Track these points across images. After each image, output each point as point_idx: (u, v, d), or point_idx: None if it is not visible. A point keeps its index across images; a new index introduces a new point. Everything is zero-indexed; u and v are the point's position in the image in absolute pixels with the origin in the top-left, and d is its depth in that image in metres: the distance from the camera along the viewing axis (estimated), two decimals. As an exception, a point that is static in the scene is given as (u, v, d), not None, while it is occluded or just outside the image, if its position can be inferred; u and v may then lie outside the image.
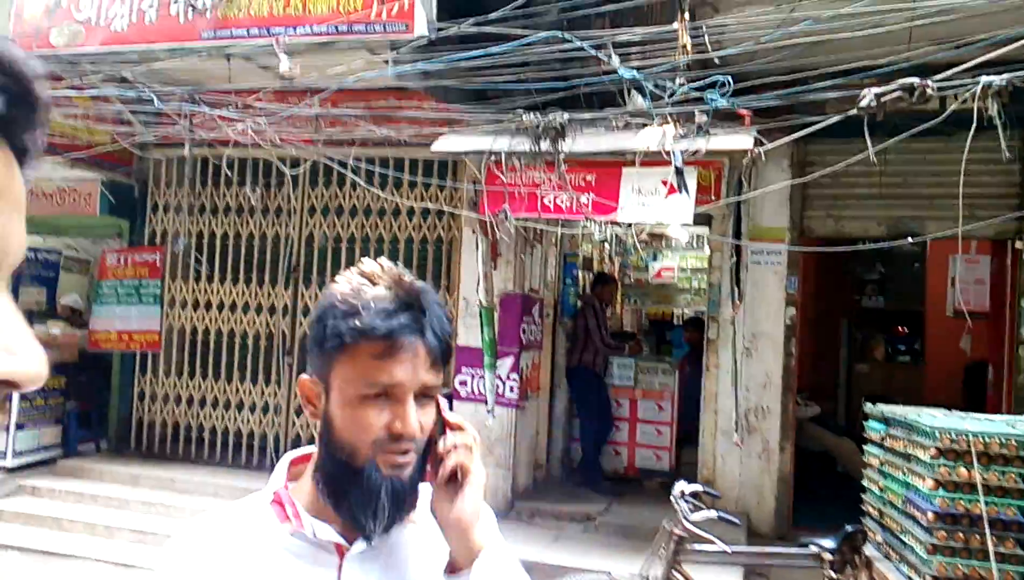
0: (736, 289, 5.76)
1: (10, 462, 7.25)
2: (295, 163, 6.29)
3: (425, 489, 1.26)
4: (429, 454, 1.19)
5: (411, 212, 7.10)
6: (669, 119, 4.90)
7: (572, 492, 6.86)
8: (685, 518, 3.54)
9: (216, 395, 7.69)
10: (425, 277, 7.06)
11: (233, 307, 7.71)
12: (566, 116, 4.50)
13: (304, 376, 1.17)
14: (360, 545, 1.13)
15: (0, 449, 7.25)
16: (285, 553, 1.13)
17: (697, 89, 4.43)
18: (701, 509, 3.65)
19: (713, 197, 5.17)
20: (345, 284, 1.15)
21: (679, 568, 3.59)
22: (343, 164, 5.81)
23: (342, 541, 1.13)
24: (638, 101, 5.05)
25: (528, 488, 6.83)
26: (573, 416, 7.38)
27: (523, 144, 4.88)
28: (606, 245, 9.00)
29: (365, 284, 1.13)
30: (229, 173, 6.54)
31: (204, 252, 7.77)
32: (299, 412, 7.42)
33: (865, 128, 3.83)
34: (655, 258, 10.27)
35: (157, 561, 1.17)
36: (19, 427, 7.34)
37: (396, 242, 7.22)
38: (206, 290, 7.80)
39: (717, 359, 6.37)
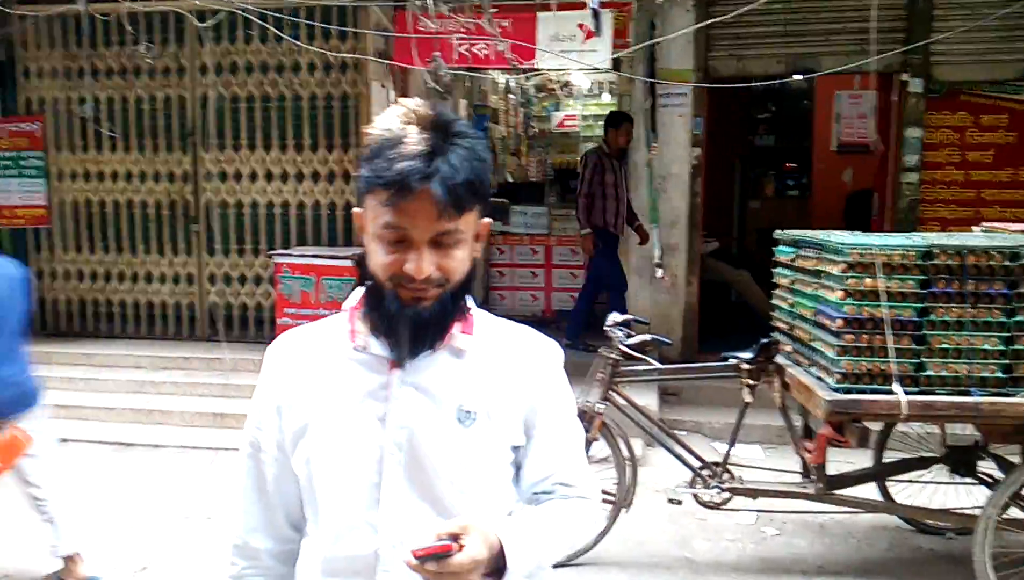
0: (653, 132, 5.93)
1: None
2: (201, 17, 5.86)
3: (480, 318, 1.38)
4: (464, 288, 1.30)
5: (312, 66, 6.82)
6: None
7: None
8: (622, 343, 3.83)
9: (122, 269, 7.45)
10: (332, 136, 6.92)
11: (129, 177, 7.34)
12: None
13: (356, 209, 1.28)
14: (414, 361, 1.27)
15: None
16: (351, 362, 1.29)
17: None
18: (632, 336, 3.95)
19: (628, 39, 5.22)
20: (380, 125, 1.23)
21: (616, 389, 3.93)
22: (243, 11, 5.48)
23: (391, 356, 1.27)
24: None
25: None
26: (489, 266, 7.58)
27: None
28: (511, 96, 8.95)
29: (394, 126, 1.21)
30: (130, 29, 6.04)
31: (87, 120, 7.27)
32: (212, 281, 7.32)
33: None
34: (557, 108, 10.31)
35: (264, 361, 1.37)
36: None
37: (298, 100, 6.96)
38: (98, 160, 7.37)
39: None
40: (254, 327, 7.21)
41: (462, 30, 4.98)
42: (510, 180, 8.73)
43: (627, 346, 3.82)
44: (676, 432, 5.61)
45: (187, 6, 5.54)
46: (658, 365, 3.81)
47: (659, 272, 6.28)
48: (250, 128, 7.08)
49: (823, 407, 3.33)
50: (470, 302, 1.38)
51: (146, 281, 7.43)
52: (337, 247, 6.89)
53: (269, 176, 7.12)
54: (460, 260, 1.24)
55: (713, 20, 5.35)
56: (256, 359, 6.70)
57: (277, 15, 5.81)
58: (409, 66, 5.11)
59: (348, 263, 6.52)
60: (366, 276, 1.24)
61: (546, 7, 4.96)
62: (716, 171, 8.70)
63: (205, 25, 5.74)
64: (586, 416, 3.91)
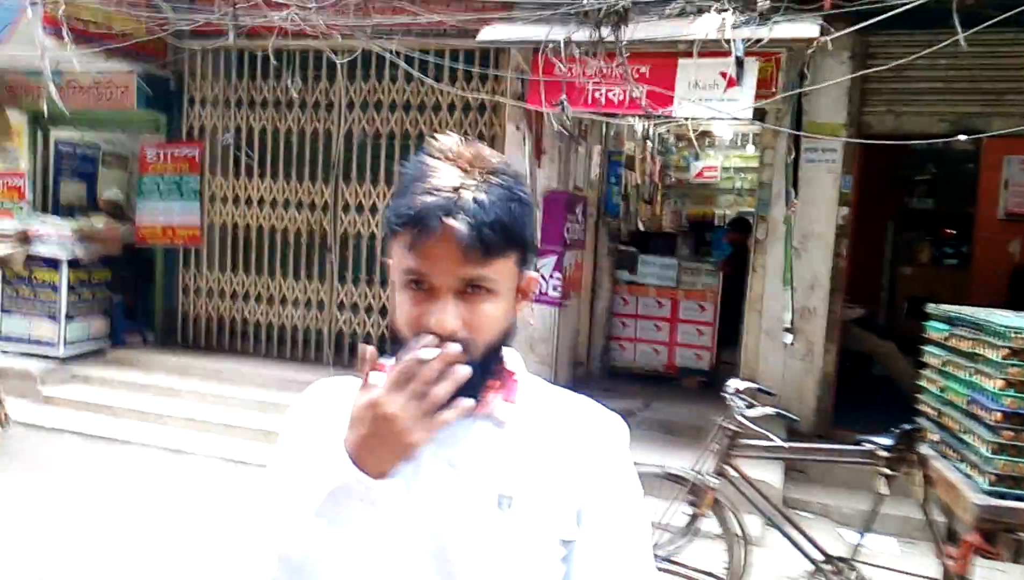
0: (794, 187, 5.59)
1: (62, 352, 7.45)
2: (346, 52, 6.10)
3: (527, 384, 1.21)
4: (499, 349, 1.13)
5: (452, 107, 6.93)
6: (728, 4, 4.66)
7: (611, 389, 6.93)
8: (741, 414, 3.54)
9: (259, 290, 7.78)
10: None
11: (274, 203, 7.69)
12: (630, 1, 4.28)
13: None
14: (447, 431, 1.07)
15: (52, 339, 7.44)
16: None
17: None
18: (754, 406, 3.65)
19: (775, 89, 4.96)
20: (414, 163, 1.09)
21: (731, 463, 3.63)
22: (394, 53, 5.62)
23: None
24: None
25: (568, 385, 6.87)
26: (612, 316, 7.38)
27: (578, 32, 4.67)
28: (648, 143, 8.77)
29: (425, 164, 1.07)
30: (276, 63, 6.37)
31: (242, 147, 7.70)
32: (341, 308, 7.51)
33: (953, 12, 3.58)
34: (697, 158, 10.03)
35: (283, 425, 1.23)
36: (69, 318, 7.51)
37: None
38: (246, 186, 7.77)
39: (764, 259, 6.27)
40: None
41: (597, 74, 4.88)
42: (641, 229, 8.52)
43: (747, 418, 3.52)
44: (801, 514, 5.23)
45: (332, 45, 5.75)
46: (781, 442, 3.49)
47: (788, 337, 5.87)
48: (388, 164, 7.26)
49: (971, 511, 2.91)
50: (516, 366, 1.22)
51: (281, 304, 7.72)
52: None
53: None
54: (491, 317, 1.07)
55: (867, 71, 4.99)
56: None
57: (422, 57, 5.93)
58: (537, 108, 5.04)
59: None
60: (394, 333, 1.10)
61: (688, 54, 4.78)
62: (865, 233, 8.15)
63: (340, 61, 5.92)
64: (696, 490, 3.63)
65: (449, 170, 1.05)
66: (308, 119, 7.49)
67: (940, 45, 3.83)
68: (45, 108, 6.64)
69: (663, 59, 4.92)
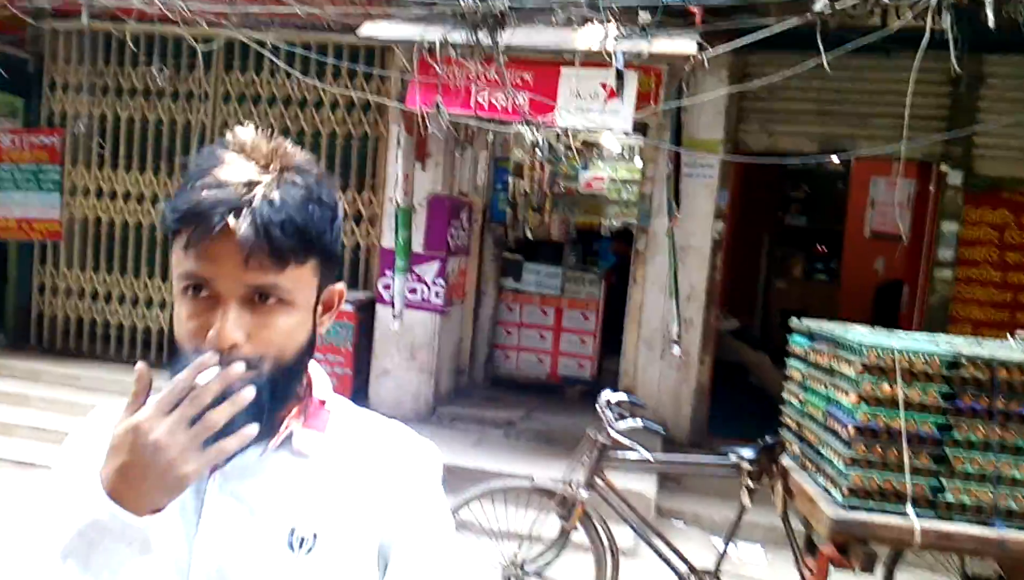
0: (674, 201, 5.67)
1: None
2: (208, 41, 5.79)
3: (339, 411, 1.09)
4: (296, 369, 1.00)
5: (335, 105, 6.70)
6: (611, 17, 4.68)
7: (493, 398, 6.86)
8: (610, 426, 3.52)
9: (122, 290, 7.29)
10: (349, 176, 6.76)
11: (141, 198, 7.23)
12: (507, 3, 4.21)
13: None
14: (236, 461, 0.96)
15: None
16: None
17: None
18: (626, 418, 3.64)
19: (656, 104, 5.01)
20: (205, 154, 0.96)
21: (601, 475, 3.60)
22: (261, 44, 5.37)
23: None
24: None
25: (450, 393, 6.79)
26: (496, 323, 7.32)
27: (460, 33, 4.58)
28: (537, 151, 8.77)
29: (219, 156, 0.95)
30: (135, 49, 5.99)
31: (108, 137, 7.21)
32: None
33: (818, 35, 3.69)
34: (586, 168, 10.13)
35: (58, 453, 1.07)
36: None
37: (318, 136, 6.82)
38: (110, 178, 7.27)
39: (644, 271, 6.35)
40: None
41: (480, 79, 4.80)
42: (529, 237, 8.52)
43: (617, 430, 3.50)
44: (674, 523, 5.30)
45: (202, 33, 5.44)
46: (648, 455, 3.48)
47: (675, 349, 5.95)
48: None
49: (826, 524, 2.97)
50: (324, 389, 1.09)
51: (146, 306, 7.26)
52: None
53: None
54: (283, 331, 0.95)
55: (741, 87, 5.12)
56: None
57: (298, 51, 5.70)
58: (414, 110, 4.92)
59: (350, 307, 6.30)
60: (174, 347, 0.96)
61: (570, 63, 4.76)
62: (742, 247, 8.43)
63: (204, 50, 5.62)
64: (567, 502, 3.58)
65: (242, 164, 0.93)
66: (179, 110, 7.08)
67: (806, 67, 3.94)
68: None
69: (546, 67, 4.89)
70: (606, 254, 8.29)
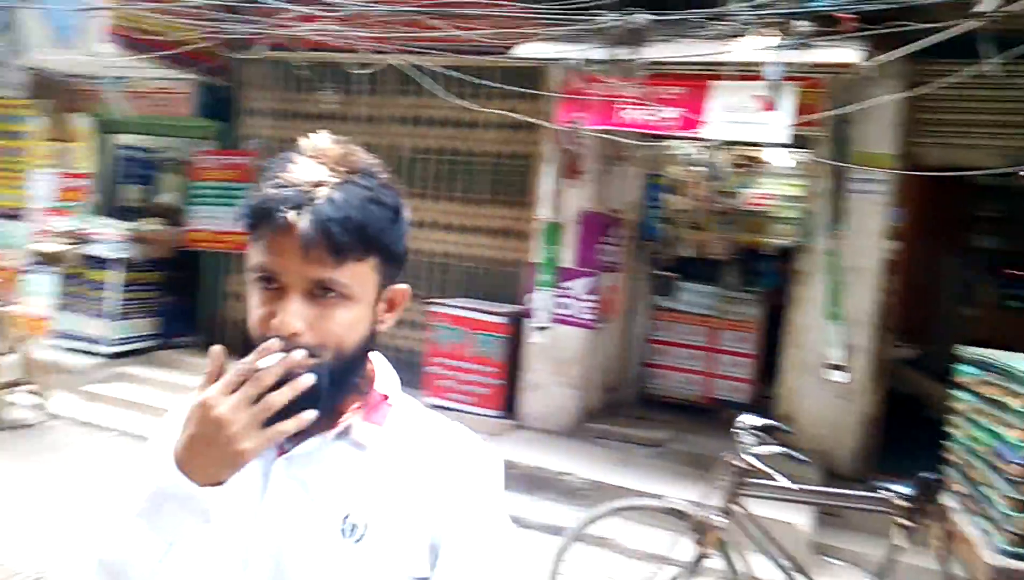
0: (838, 218, 5.35)
1: (108, 349, 7.66)
2: (365, 66, 6.14)
3: (401, 407, 1.14)
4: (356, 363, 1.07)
5: (493, 124, 6.91)
6: (766, 28, 4.53)
7: (642, 417, 6.75)
8: (746, 451, 3.38)
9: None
10: (505, 193, 6.94)
11: (316, 214, 7.78)
12: (648, 18, 4.18)
13: None
14: (300, 448, 1.04)
15: (101, 337, 7.66)
16: None
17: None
18: (767, 443, 3.48)
19: (819, 116, 4.78)
20: (278, 159, 1.04)
21: (738, 501, 3.46)
22: (418, 68, 5.65)
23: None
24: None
25: (598, 410, 6.76)
26: (648, 342, 7.21)
27: (607, 51, 4.60)
28: (697, 168, 8.58)
29: (290, 159, 1.02)
30: (308, 76, 6.48)
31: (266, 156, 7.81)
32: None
33: (982, 38, 3.38)
34: (750, 184, 9.77)
35: (154, 427, 1.17)
36: (118, 317, 7.73)
37: (478, 155, 7.07)
38: (291, 195, 7.88)
39: (805, 291, 6.03)
40: (407, 371, 7.29)
41: (628, 94, 4.79)
42: (686, 255, 8.33)
43: (754, 455, 3.35)
44: (831, 561, 4.97)
45: (367, 60, 5.80)
46: (788, 483, 3.30)
47: (836, 374, 5.59)
48: (432, 179, 7.28)
49: (985, 573, 2.70)
50: (390, 386, 1.14)
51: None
52: (494, 303, 6.85)
53: (443, 226, 7.26)
54: (342, 324, 1.00)
55: (909, 94, 4.77)
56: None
57: (461, 76, 5.93)
58: (559, 127, 4.98)
59: (502, 320, 6.46)
60: (246, 335, 1.03)
61: (722, 76, 4.65)
62: (920, 270, 7.81)
63: (360, 72, 5.95)
64: (701, 526, 3.47)
65: (312, 166, 1.01)
66: (354, 132, 7.56)
67: (980, 72, 3.62)
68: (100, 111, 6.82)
69: (696, 80, 4.80)
70: (769, 274, 7.94)
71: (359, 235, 0.99)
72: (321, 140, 1.05)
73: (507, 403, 6.48)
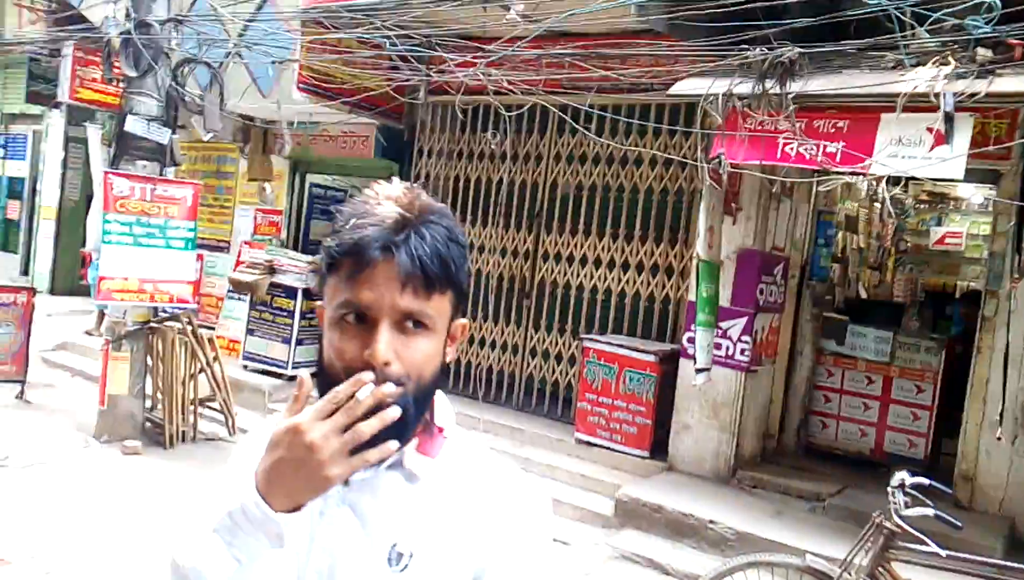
0: (1018, 258, 4.86)
1: (290, 371, 8.31)
2: (520, 107, 6.29)
3: (453, 441, 1.16)
4: (428, 395, 1.10)
5: (653, 161, 6.89)
6: (942, 57, 4.22)
7: (803, 468, 6.37)
8: (896, 512, 3.11)
9: (472, 333, 8.14)
10: (662, 229, 6.87)
11: (482, 249, 8.07)
12: (797, 51, 4.02)
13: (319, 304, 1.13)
14: (356, 475, 1.05)
15: (283, 360, 8.33)
16: None
17: (955, 14, 3.74)
18: (921, 504, 3.18)
19: (997, 148, 4.39)
20: (354, 203, 1.10)
21: (886, 566, 3.18)
22: (564, 109, 5.76)
23: None
24: (922, 34, 4.41)
25: (754, 457, 6.45)
26: (813, 388, 6.80)
27: (763, 84, 4.48)
28: (879, 204, 8.06)
29: (368, 203, 1.08)
30: (472, 118, 6.75)
31: (460, 196, 8.16)
32: (533, 354, 7.65)
33: None
34: (939, 222, 9.03)
35: (237, 449, 1.24)
36: (298, 342, 8.37)
37: (636, 192, 7.07)
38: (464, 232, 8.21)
39: (992, 340, 5.48)
40: (560, 406, 7.35)
41: (790, 129, 4.61)
42: (862, 296, 7.81)
43: (902, 518, 3.08)
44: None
45: (524, 101, 5.98)
46: (937, 550, 2.99)
47: (998, 430, 5.03)
48: (588, 215, 7.35)
49: None
50: (445, 419, 1.18)
51: (479, 345, 8.03)
52: (646, 341, 6.76)
53: (597, 262, 7.30)
54: (426, 354, 1.05)
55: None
56: (552, 438, 6.85)
57: (616, 117, 5.97)
58: (708, 163, 4.87)
59: (654, 358, 6.37)
60: (322, 375, 1.07)
61: (891, 108, 4.37)
62: None
63: (507, 115, 6.07)
64: (843, 588, 3.22)
65: (391, 207, 1.06)
66: (519, 171, 7.81)
67: None
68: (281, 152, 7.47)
69: (863, 113, 4.54)
70: (954, 319, 7.27)
71: (444, 269, 1.05)
72: (393, 186, 1.11)
73: (656, 444, 6.35)
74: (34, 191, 13.08)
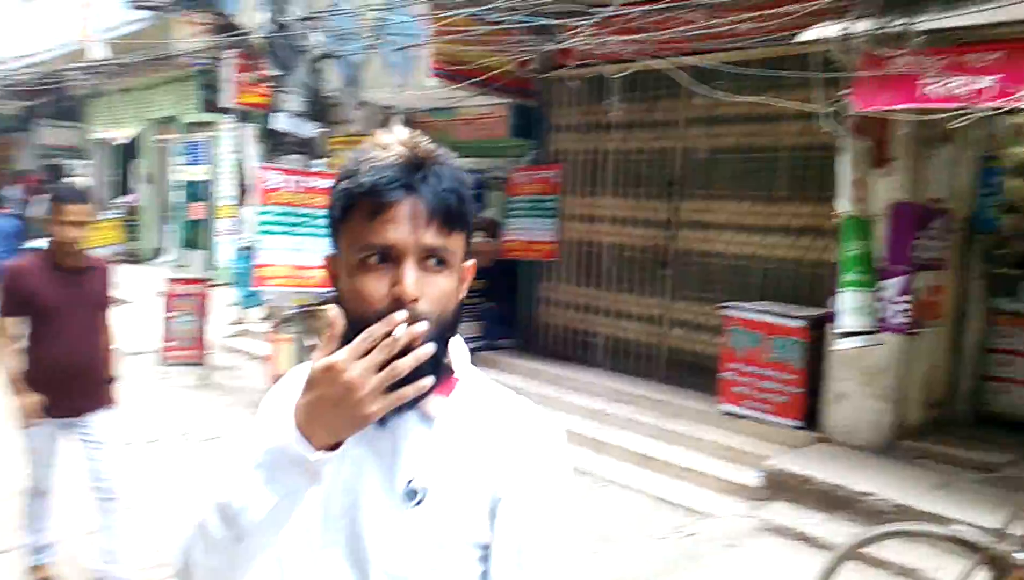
0: None
1: (438, 350, 8.60)
2: (656, 73, 6.08)
3: (468, 381, 1.19)
4: (450, 335, 1.12)
5: (792, 117, 6.49)
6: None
7: (974, 437, 5.84)
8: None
9: (601, 303, 8.12)
10: (806, 189, 6.50)
11: (616, 220, 7.98)
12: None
13: (328, 253, 1.15)
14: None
15: (431, 338, 8.64)
16: None
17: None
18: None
19: None
20: (364, 148, 1.12)
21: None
22: (695, 70, 5.49)
23: None
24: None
25: (918, 427, 5.98)
26: (985, 351, 6.19)
27: (900, 21, 4.11)
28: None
29: (374, 149, 1.10)
30: (592, 89, 6.64)
31: (592, 169, 8.10)
32: (673, 325, 7.49)
33: None
34: None
35: (273, 391, 1.28)
36: (447, 321, 8.63)
37: (776, 151, 6.71)
38: (594, 204, 8.18)
39: None
40: (703, 376, 7.15)
41: (934, 66, 4.21)
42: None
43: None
44: None
45: (660, 65, 5.80)
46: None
47: None
48: (727, 179, 7.08)
49: None
50: (459, 360, 1.19)
51: (619, 318, 7.97)
52: (793, 306, 6.43)
53: (738, 227, 7.01)
54: (447, 291, 1.08)
55: None
56: (696, 409, 6.70)
57: (743, 71, 5.70)
58: (857, 112, 4.50)
59: (802, 324, 6.06)
60: (349, 319, 1.06)
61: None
62: None
63: (613, 77, 5.84)
64: (998, 562, 2.94)
65: (401, 149, 1.09)
66: (652, 138, 7.64)
67: None
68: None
69: (1018, 42, 4.07)
70: None
71: (462, 208, 1.09)
72: (398, 131, 1.13)
73: (808, 413, 6.04)
74: (212, 193, 14.28)
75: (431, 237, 1.05)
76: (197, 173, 14.59)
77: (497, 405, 1.18)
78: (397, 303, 1.03)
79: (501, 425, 1.15)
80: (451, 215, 1.06)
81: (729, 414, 6.42)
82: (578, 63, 6.92)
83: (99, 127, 16.99)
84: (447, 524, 1.11)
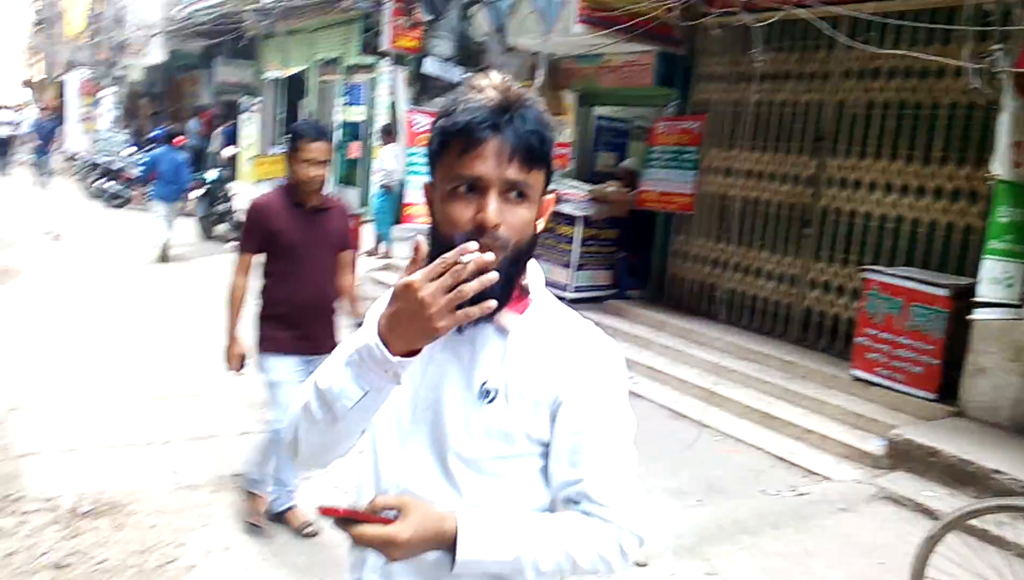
0: None
1: (570, 294, 8.79)
2: (812, 23, 5.84)
3: (540, 302, 1.35)
4: (524, 260, 1.29)
5: (957, 72, 6.08)
6: None
7: None
8: None
9: (737, 260, 8.00)
10: (965, 150, 6.12)
11: (757, 175, 7.79)
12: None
13: (426, 182, 1.35)
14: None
15: (564, 283, 8.83)
16: None
17: None
18: None
19: None
20: (461, 89, 1.30)
21: None
22: (852, 21, 5.21)
23: None
24: None
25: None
26: None
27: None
28: None
29: (470, 91, 1.27)
30: (743, 38, 6.45)
31: (737, 121, 7.91)
32: (812, 286, 7.30)
33: None
34: None
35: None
36: (580, 267, 8.81)
37: (936, 108, 6.32)
38: (736, 157, 8.00)
39: None
40: (838, 340, 6.97)
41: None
42: None
43: None
44: None
45: (817, 13, 5.58)
46: None
47: None
48: (879, 136, 6.74)
49: None
50: (535, 284, 1.36)
51: (753, 274, 7.84)
52: (939, 273, 6.12)
53: (888, 187, 6.69)
54: (525, 220, 1.25)
55: None
56: (826, 373, 6.55)
57: (896, 22, 5.39)
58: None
59: (945, 293, 5.78)
60: (434, 245, 1.25)
61: None
62: None
63: (755, 25, 5.61)
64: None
65: (493, 92, 1.26)
66: (803, 91, 7.36)
67: None
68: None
69: None
70: None
71: (543, 147, 1.25)
72: (492, 76, 1.30)
73: (942, 386, 5.79)
74: (369, 133, 14.97)
75: (513, 172, 1.21)
76: (356, 114, 15.30)
77: (563, 324, 1.36)
78: (480, 228, 1.21)
79: (565, 341, 1.33)
80: (532, 154, 1.22)
81: (860, 380, 6.24)
82: (722, 10, 6.72)
83: (270, 67, 18.09)
84: (513, 420, 1.30)
